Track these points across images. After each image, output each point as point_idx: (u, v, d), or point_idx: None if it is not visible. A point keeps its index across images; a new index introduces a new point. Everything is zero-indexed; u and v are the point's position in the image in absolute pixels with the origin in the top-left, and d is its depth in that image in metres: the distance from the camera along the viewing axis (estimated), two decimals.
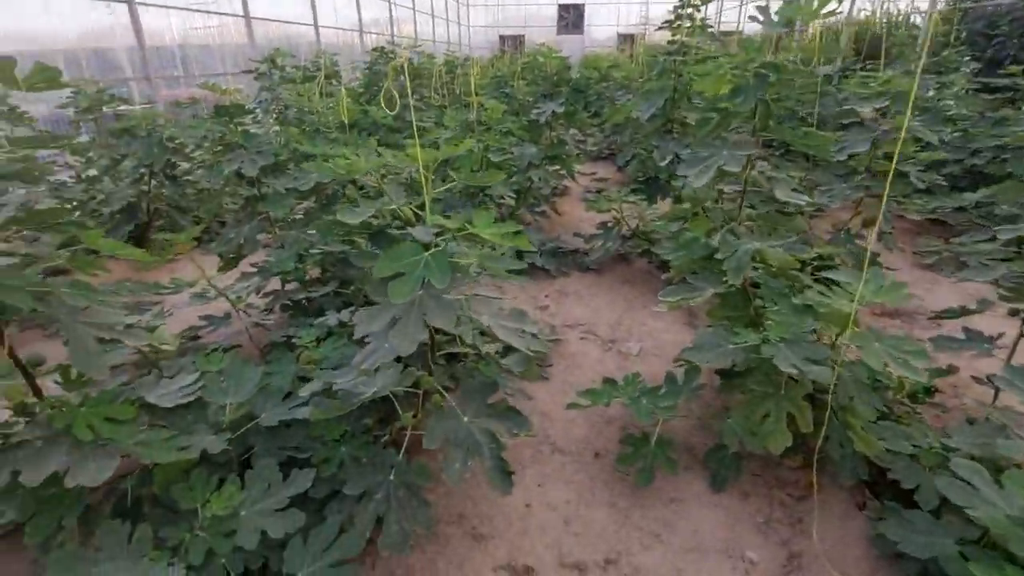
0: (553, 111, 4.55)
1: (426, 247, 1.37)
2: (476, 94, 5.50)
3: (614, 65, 11.01)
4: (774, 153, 5.38)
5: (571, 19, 28.81)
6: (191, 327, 2.74)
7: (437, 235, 1.47)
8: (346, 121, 2.91)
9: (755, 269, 2.14)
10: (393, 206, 1.61)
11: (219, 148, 2.77)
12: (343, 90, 2.90)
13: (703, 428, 2.34)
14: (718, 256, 2.04)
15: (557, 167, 4.95)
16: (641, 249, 3.96)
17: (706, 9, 4.30)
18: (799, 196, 2.05)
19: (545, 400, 2.59)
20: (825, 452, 1.87)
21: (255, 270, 2.83)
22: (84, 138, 5.29)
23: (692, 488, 2.05)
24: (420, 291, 1.36)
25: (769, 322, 1.84)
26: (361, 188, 3.05)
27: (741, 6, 20.00)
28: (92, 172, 4.29)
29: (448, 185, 1.82)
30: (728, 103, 2.05)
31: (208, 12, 9.69)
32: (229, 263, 2.92)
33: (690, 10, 4.26)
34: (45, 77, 1.40)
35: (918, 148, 3.31)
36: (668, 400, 2.01)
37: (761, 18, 1.98)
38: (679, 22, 4.29)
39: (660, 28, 4.31)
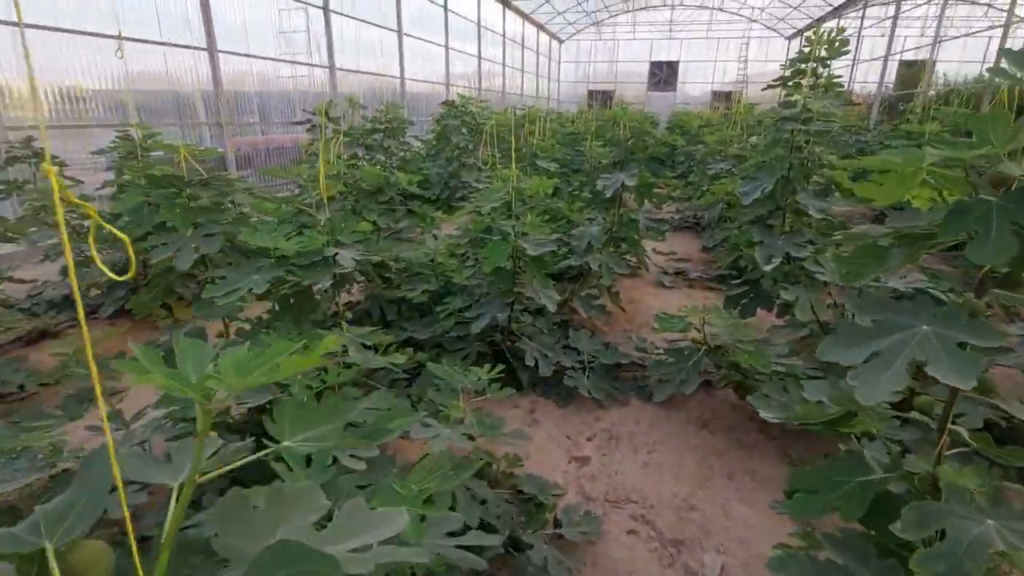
0: (623, 183, 3.64)
1: None
2: (536, 155, 4.72)
3: (706, 125, 10.01)
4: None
5: (663, 76, 28.20)
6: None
7: None
8: (325, 199, 2.15)
9: None
10: None
11: (151, 231, 2.09)
12: (321, 151, 2.15)
13: None
14: (901, 532, 0.99)
15: (625, 251, 4.00)
16: (728, 380, 2.86)
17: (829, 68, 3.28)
18: None
19: None
20: None
21: None
22: None
23: None
24: None
25: None
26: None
27: (853, 65, 18.45)
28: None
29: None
30: (929, 226, 1.04)
31: (293, 63, 9.85)
32: None
33: (813, 65, 3.26)
34: None
35: None
36: None
37: (1017, 71, 0.98)
38: (797, 79, 3.29)
39: (771, 86, 3.34)
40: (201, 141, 7.99)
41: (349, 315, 2.46)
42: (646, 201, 4.02)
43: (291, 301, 2.27)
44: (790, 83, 3.34)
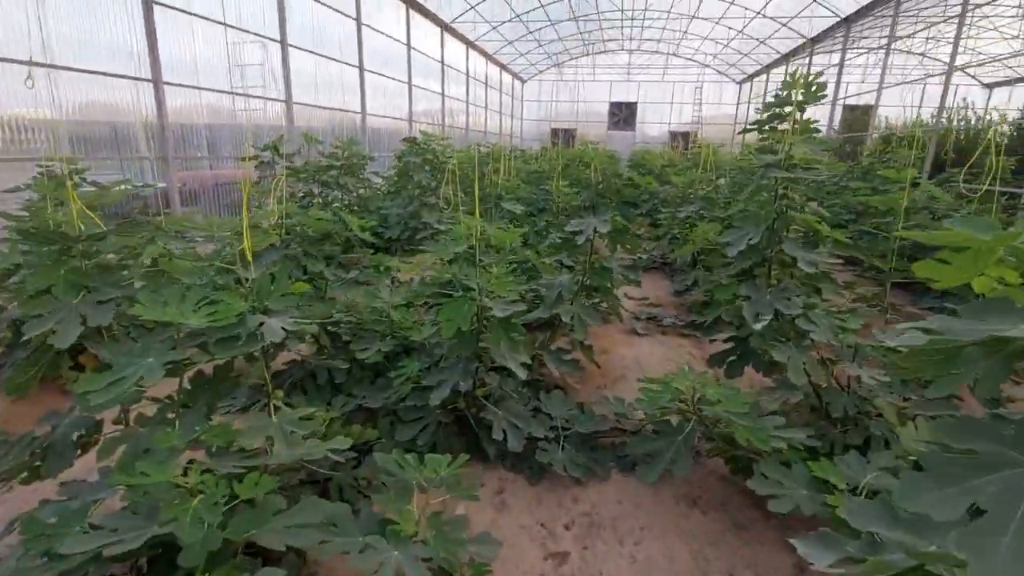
0: (595, 229, 3.40)
1: None
2: (500, 196, 4.47)
3: (668, 164, 10.09)
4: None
5: (623, 116, 29.00)
6: None
7: None
8: (249, 255, 1.79)
9: None
10: None
11: (28, 295, 1.68)
12: (245, 195, 1.80)
13: None
14: None
15: (597, 300, 3.74)
16: (719, 451, 2.57)
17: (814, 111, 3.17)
18: None
19: None
20: None
21: (64, 498, 1.64)
22: None
23: None
24: None
25: None
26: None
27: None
28: None
29: None
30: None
31: (247, 95, 9.47)
32: (28, 476, 1.74)
33: (788, 109, 3.13)
34: None
35: None
36: None
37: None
38: (774, 123, 3.15)
39: (747, 131, 3.19)
40: (142, 176, 7.45)
41: (280, 393, 2.07)
42: (619, 246, 3.79)
43: (206, 378, 1.88)
44: (767, 127, 3.20)
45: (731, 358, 2.77)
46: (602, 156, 4.29)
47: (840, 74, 15.69)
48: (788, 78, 3.12)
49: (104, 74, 6.69)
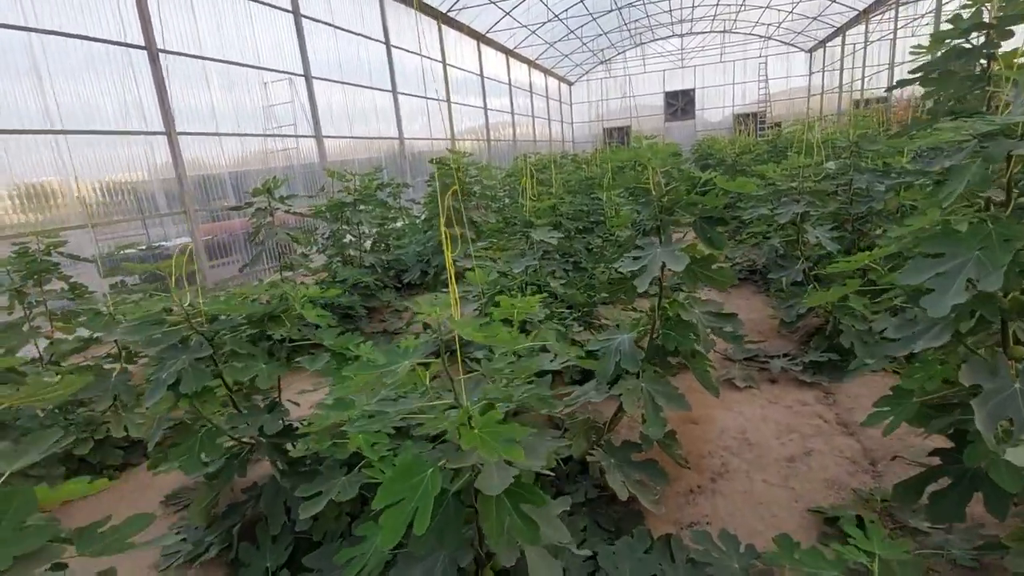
0: (663, 264, 2.25)
1: None
2: (530, 223, 3.40)
3: (744, 151, 8.61)
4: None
5: (680, 105, 27.09)
6: None
7: None
8: None
9: None
10: None
11: None
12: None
13: None
14: None
15: (674, 365, 2.57)
16: None
17: None
18: None
19: None
20: None
21: None
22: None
23: None
24: None
25: None
26: None
27: (891, 69, 16.87)
28: None
29: None
30: None
31: (270, 135, 9.00)
32: None
33: (978, 39, 1.87)
34: None
35: None
36: None
37: None
38: (953, 65, 1.89)
39: (907, 83, 1.95)
40: (166, 235, 7.03)
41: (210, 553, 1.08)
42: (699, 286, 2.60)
43: None
44: (935, 74, 1.93)
45: (939, 484, 1.52)
46: (662, 152, 3.12)
47: (938, 22, 13.34)
48: None
49: (111, 132, 6.29)
